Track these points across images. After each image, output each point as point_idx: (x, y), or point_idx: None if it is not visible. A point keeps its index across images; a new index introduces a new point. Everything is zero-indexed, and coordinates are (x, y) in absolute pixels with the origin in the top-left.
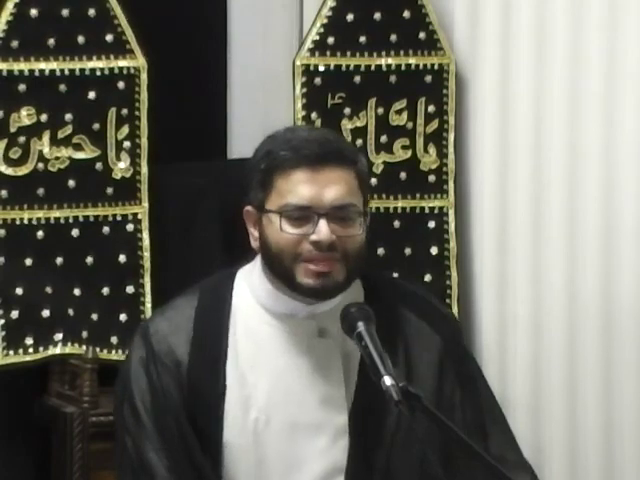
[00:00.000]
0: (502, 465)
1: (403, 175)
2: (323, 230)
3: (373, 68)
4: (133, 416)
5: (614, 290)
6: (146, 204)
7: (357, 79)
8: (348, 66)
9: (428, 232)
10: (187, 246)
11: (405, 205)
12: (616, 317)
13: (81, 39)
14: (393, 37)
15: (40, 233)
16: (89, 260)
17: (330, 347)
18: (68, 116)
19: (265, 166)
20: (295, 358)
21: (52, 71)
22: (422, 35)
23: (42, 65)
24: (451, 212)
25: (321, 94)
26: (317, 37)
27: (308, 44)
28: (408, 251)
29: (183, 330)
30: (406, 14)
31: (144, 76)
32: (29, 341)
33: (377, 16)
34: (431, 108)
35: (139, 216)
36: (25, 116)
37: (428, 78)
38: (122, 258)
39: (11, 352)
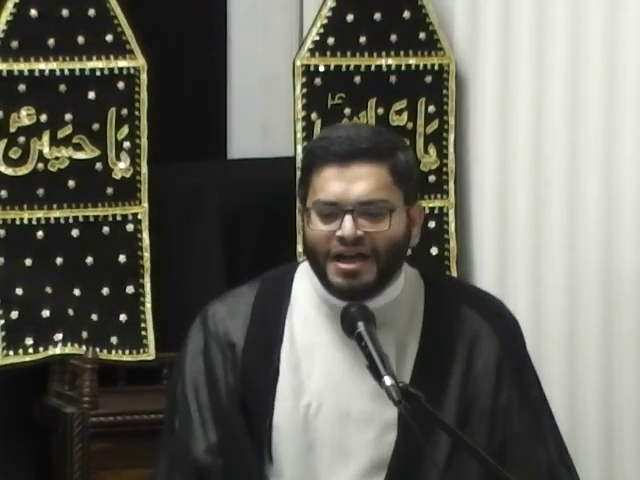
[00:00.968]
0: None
1: None
2: (347, 225)
3: (373, 68)
4: (184, 396)
5: (614, 290)
6: (146, 204)
7: (357, 79)
8: (348, 66)
9: (428, 232)
10: (187, 246)
11: None
12: (616, 317)
13: (81, 39)
14: (393, 37)
15: (40, 233)
16: (89, 260)
17: (385, 340)
18: (68, 116)
19: (305, 164)
20: (349, 350)
21: (52, 71)
22: (422, 35)
23: (42, 65)
24: (451, 212)
25: (321, 94)
26: (317, 37)
27: (308, 44)
28: (408, 251)
29: (241, 315)
30: (406, 14)
31: (144, 76)
32: (29, 341)
33: (377, 16)
34: (431, 108)
35: (139, 216)
36: (25, 116)
37: (428, 78)
38: (122, 258)
39: (11, 352)
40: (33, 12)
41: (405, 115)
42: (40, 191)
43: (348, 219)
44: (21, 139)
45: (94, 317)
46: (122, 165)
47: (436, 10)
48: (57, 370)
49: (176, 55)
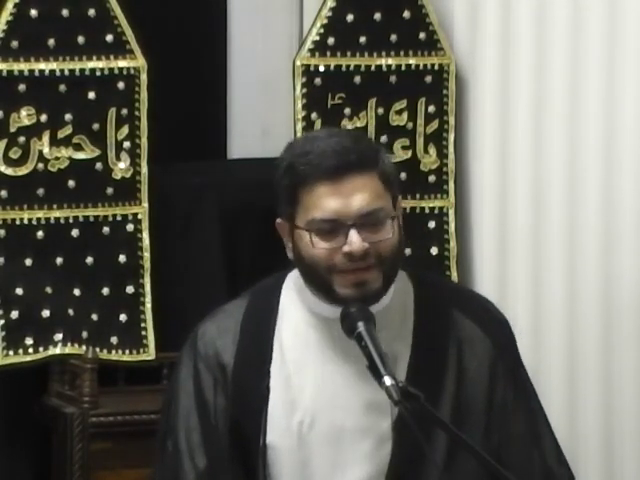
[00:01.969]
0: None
1: (403, 175)
2: (354, 240)
3: (373, 68)
4: (175, 421)
5: (614, 290)
6: (146, 204)
7: (357, 79)
8: (348, 66)
9: (428, 232)
10: (187, 246)
11: (405, 205)
12: (616, 317)
13: (81, 39)
14: (393, 37)
15: (40, 233)
16: (89, 260)
17: None
18: (68, 116)
19: (288, 182)
20: (341, 362)
21: (52, 71)
22: (422, 35)
23: (42, 65)
24: (451, 212)
25: (321, 94)
26: (317, 37)
27: (308, 44)
28: (408, 251)
29: (230, 332)
30: (406, 14)
31: (144, 76)
32: (29, 341)
33: (377, 16)
34: (431, 108)
35: (139, 216)
36: (25, 116)
37: (428, 78)
38: (122, 258)
39: (11, 352)
40: (33, 12)
41: (405, 115)
42: (40, 191)
43: (353, 234)
44: (21, 139)
45: (94, 317)
46: (122, 165)
47: (436, 10)
48: (57, 370)
49: (176, 55)
